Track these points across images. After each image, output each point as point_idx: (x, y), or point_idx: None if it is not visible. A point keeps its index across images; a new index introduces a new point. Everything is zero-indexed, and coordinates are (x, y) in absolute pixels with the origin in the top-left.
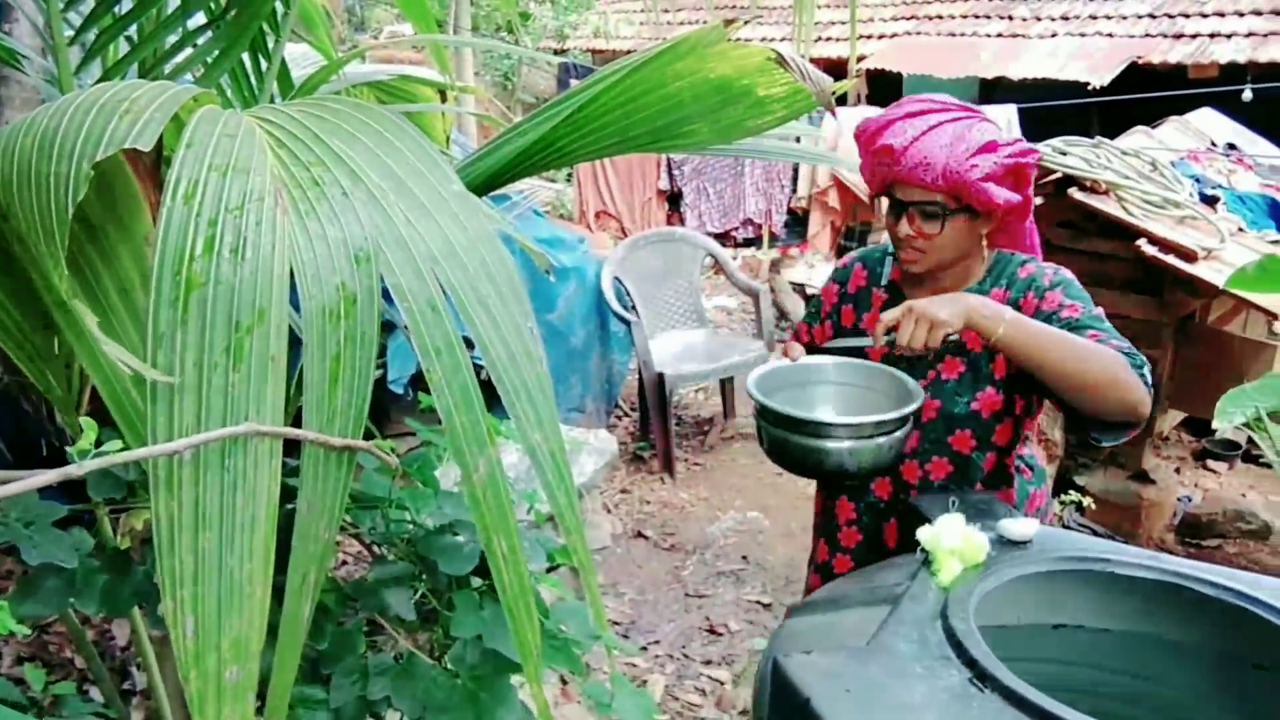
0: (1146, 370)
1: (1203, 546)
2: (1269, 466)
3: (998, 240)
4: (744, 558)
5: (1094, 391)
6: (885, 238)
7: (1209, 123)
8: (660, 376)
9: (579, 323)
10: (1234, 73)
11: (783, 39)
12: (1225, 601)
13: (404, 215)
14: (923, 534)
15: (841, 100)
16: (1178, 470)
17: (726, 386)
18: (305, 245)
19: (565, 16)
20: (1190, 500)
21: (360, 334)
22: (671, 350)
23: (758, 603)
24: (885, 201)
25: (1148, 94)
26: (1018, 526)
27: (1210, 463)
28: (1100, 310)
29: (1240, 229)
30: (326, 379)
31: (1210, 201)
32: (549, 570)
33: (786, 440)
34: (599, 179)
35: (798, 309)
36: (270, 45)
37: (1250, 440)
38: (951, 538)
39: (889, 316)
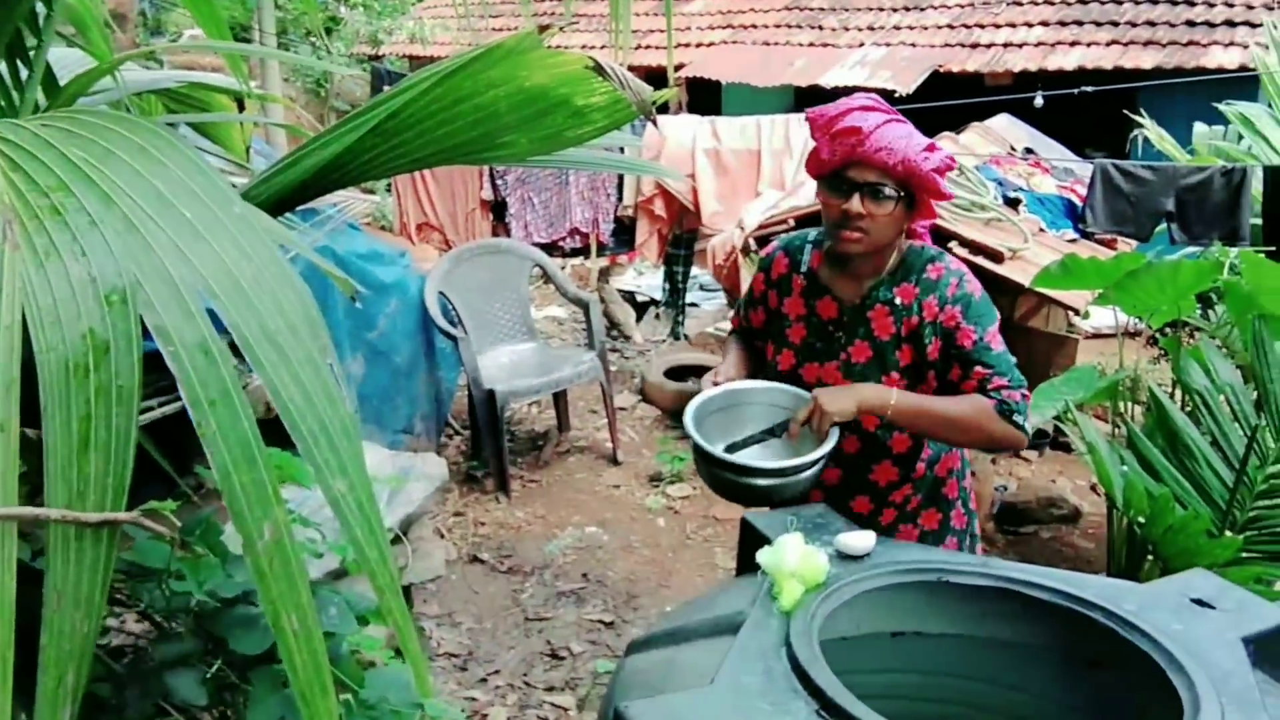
0: (1023, 410)
1: (1020, 533)
2: (1071, 451)
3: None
4: (584, 576)
5: (968, 444)
6: (715, 243)
7: (1007, 128)
8: (491, 393)
9: (403, 340)
10: (1026, 80)
11: (603, 47)
12: (1056, 604)
13: (171, 243)
14: (762, 557)
15: (663, 109)
16: (994, 461)
17: (560, 400)
18: (41, 287)
19: (379, 21)
20: (1006, 489)
21: (117, 388)
22: (502, 365)
23: (600, 622)
24: (825, 184)
25: (949, 101)
26: (855, 540)
27: (1023, 452)
28: (993, 332)
29: (1041, 229)
30: (75, 444)
31: (1012, 204)
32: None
33: (719, 477)
34: (419, 190)
35: (629, 318)
36: (32, 50)
37: (1057, 428)
38: (791, 559)
39: (800, 414)
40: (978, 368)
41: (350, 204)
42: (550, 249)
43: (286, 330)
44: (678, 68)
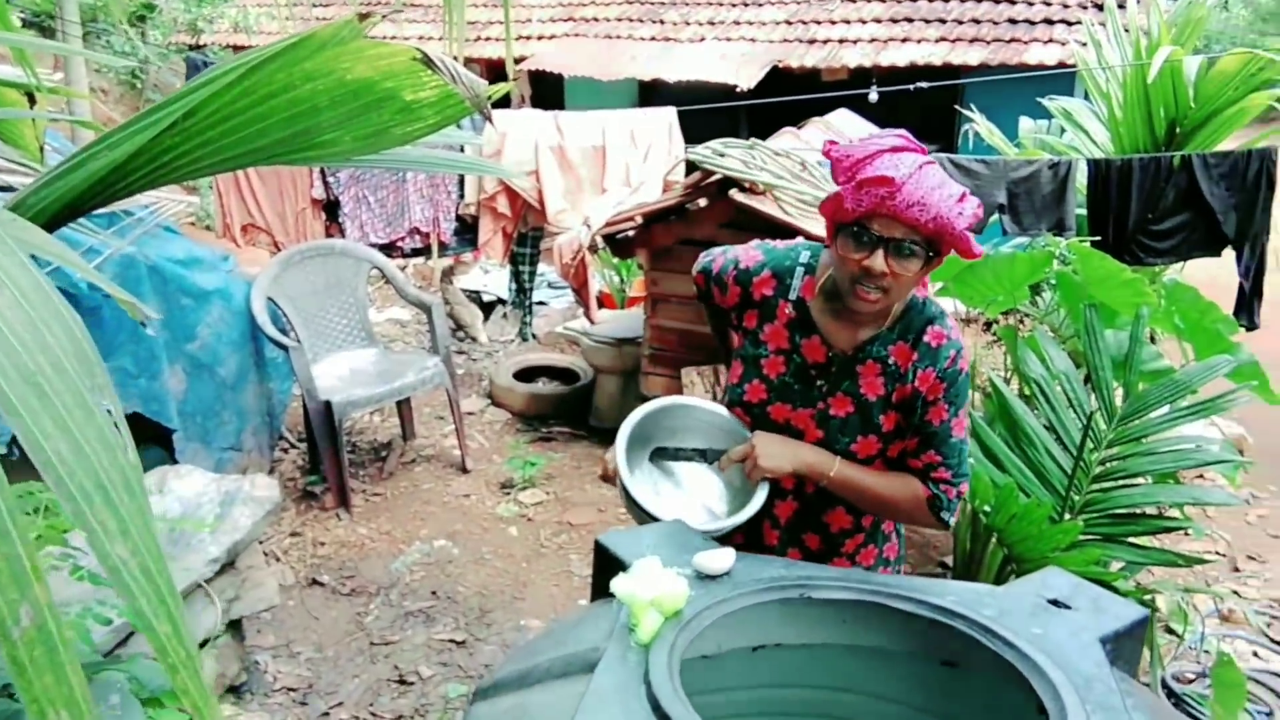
0: (954, 508)
1: None
2: None
3: None
4: (433, 593)
5: (887, 517)
6: (561, 241)
7: (845, 122)
8: (327, 405)
9: (228, 351)
10: (861, 75)
11: (440, 38)
12: (919, 615)
13: None
14: (618, 586)
15: (504, 103)
16: None
17: (404, 407)
18: None
19: (199, 9)
20: None
21: None
22: (339, 374)
23: (451, 641)
24: (845, 234)
25: (789, 97)
26: (714, 560)
27: None
28: (962, 416)
29: None
30: None
31: None
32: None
33: (637, 507)
34: (243, 188)
35: (475, 319)
36: None
37: None
38: (648, 587)
39: (736, 453)
40: (932, 452)
41: (165, 205)
42: (389, 249)
43: (50, 369)
44: (518, 61)
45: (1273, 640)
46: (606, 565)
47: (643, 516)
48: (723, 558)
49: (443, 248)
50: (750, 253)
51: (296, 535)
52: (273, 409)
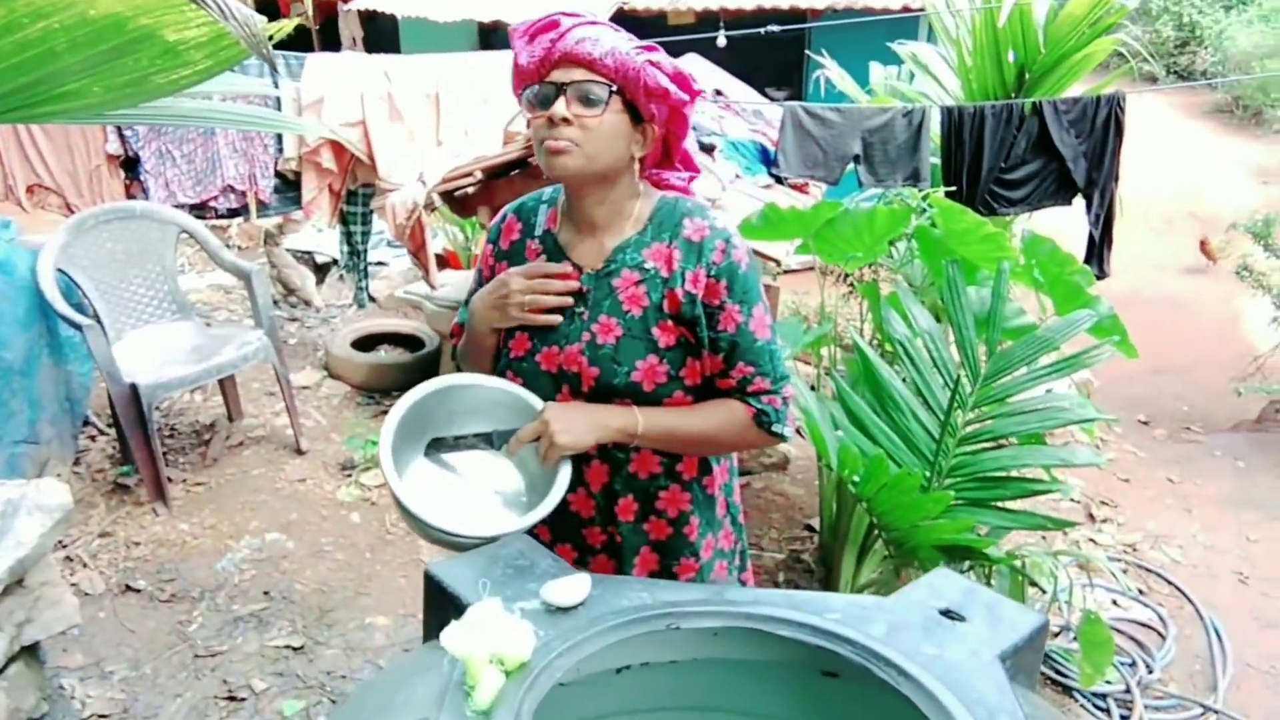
0: (784, 418)
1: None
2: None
3: (658, 169)
4: (266, 593)
5: (720, 453)
6: (394, 200)
7: (696, 69)
8: (133, 389)
9: (12, 331)
10: (709, 19)
11: None
12: (801, 640)
13: None
14: (451, 642)
15: (335, 46)
16: None
17: (228, 385)
18: None
19: None
20: None
21: None
22: (148, 352)
23: (288, 648)
24: (528, 98)
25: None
26: (566, 591)
27: None
28: (760, 313)
29: (737, 175)
30: None
31: (708, 150)
32: None
33: (418, 522)
34: (24, 144)
35: (306, 282)
36: None
37: None
38: (487, 639)
39: (525, 433)
40: (741, 364)
41: None
42: (201, 210)
43: None
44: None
45: (1130, 586)
46: (440, 601)
47: (424, 529)
48: (575, 587)
49: (262, 207)
50: (501, 213)
51: (107, 535)
52: (73, 394)
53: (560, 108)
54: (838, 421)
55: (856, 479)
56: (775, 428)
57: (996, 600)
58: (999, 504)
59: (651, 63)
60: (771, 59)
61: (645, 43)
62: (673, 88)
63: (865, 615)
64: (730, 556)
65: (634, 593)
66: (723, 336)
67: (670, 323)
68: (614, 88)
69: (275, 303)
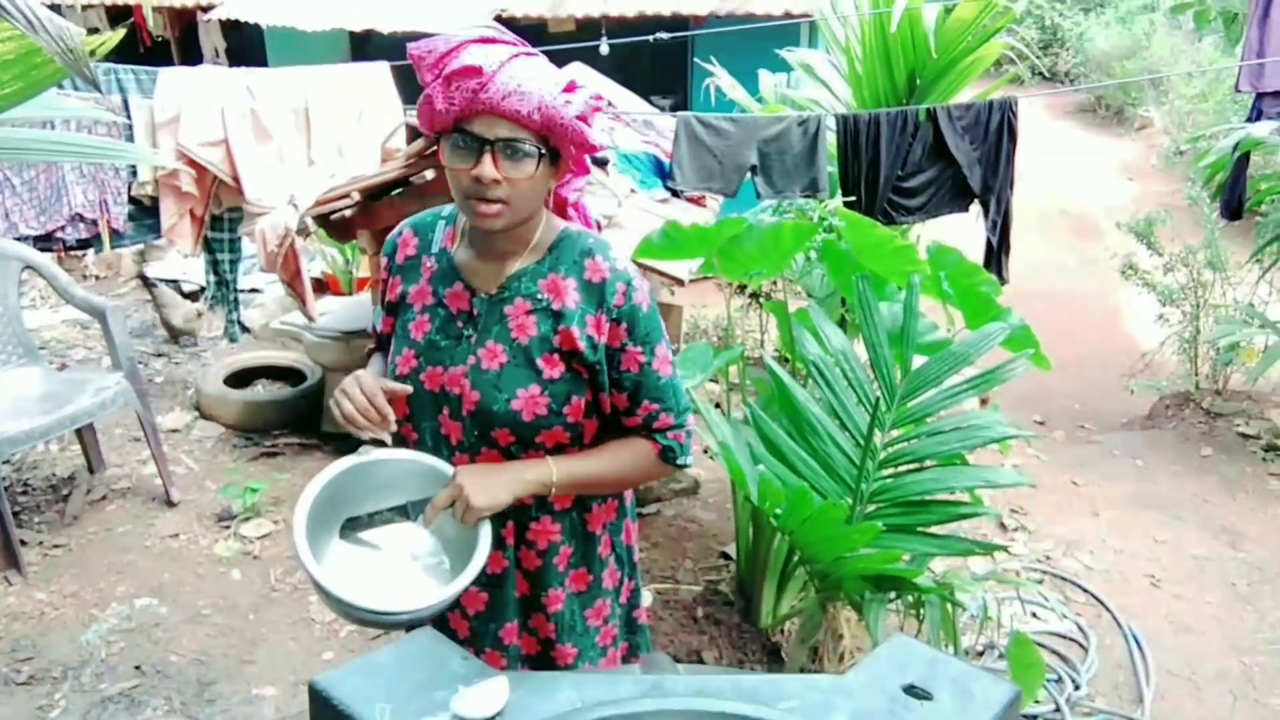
0: (687, 450)
1: (643, 514)
2: None
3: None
4: (137, 668)
5: (627, 488)
6: (263, 225)
7: (581, 78)
8: None
9: None
10: (590, 27)
11: None
12: None
13: None
14: None
15: (196, 59)
16: None
17: (86, 433)
18: None
19: None
20: None
21: None
22: None
23: None
24: (447, 144)
25: None
26: (481, 699)
27: None
28: (662, 352)
29: (633, 190)
30: None
31: (600, 164)
32: None
33: (340, 604)
34: None
35: (190, 319)
36: None
37: None
38: None
39: (440, 500)
40: (646, 402)
41: None
42: (47, 242)
43: None
44: (206, 9)
45: (1048, 597)
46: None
47: (349, 611)
48: (492, 695)
49: (116, 236)
50: (399, 227)
51: None
52: None
53: (488, 168)
54: (754, 450)
55: (778, 511)
56: (680, 460)
57: (963, 672)
58: (923, 529)
59: (580, 116)
60: (655, 67)
61: (566, 78)
62: (594, 135)
63: (825, 701)
64: (614, 595)
65: (560, 694)
66: (626, 377)
67: (557, 356)
68: (542, 149)
69: (144, 333)
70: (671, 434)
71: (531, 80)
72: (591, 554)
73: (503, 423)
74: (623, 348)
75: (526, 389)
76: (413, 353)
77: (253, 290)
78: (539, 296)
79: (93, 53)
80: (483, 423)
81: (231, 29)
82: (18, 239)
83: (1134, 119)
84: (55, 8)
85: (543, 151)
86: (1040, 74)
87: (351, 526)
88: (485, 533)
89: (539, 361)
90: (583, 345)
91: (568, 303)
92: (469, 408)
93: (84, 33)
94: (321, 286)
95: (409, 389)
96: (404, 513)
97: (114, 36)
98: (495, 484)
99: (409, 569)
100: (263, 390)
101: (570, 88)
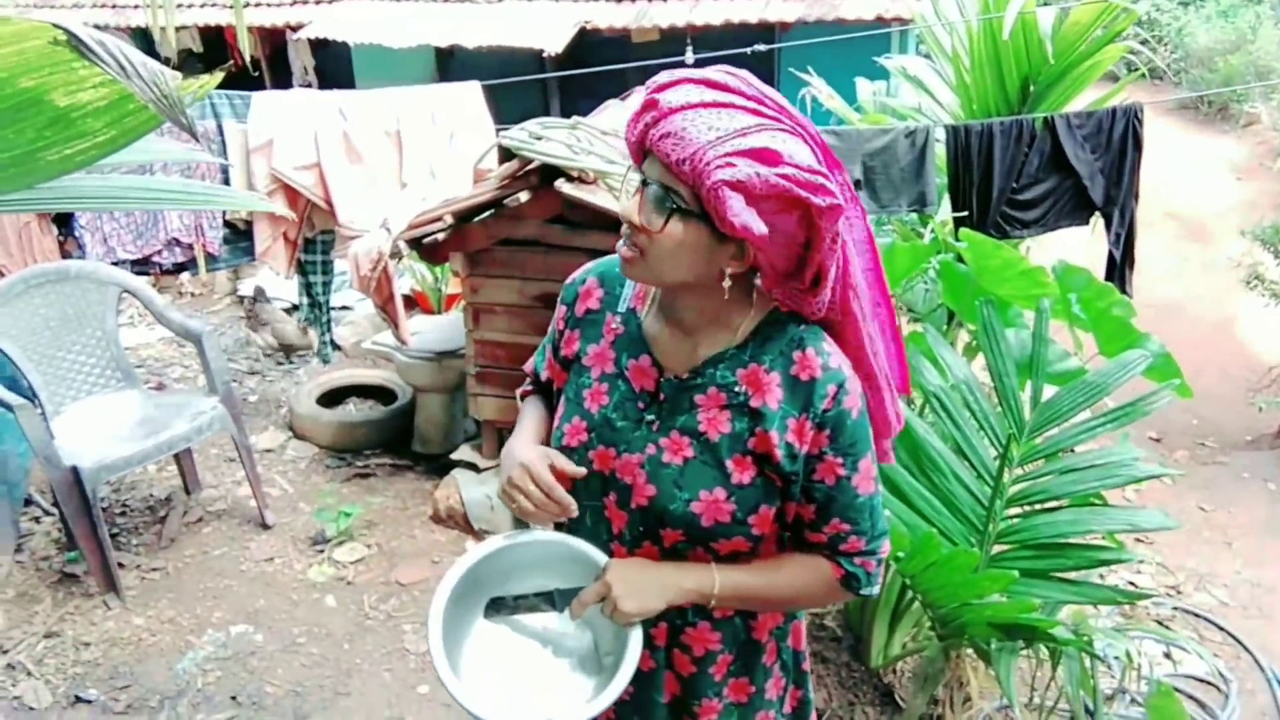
0: (875, 580)
1: None
2: None
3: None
4: (234, 699)
5: (797, 609)
6: (357, 249)
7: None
8: (74, 472)
9: None
10: (675, 37)
11: (136, 6)
12: None
13: None
14: None
15: (286, 83)
16: None
17: (183, 454)
18: None
19: None
20: None
21: None
22: (90, 428)
23: None
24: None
25: (602, 67)
26: None
27: None
28: (865, 467)
29: None
30: None
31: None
32: None
33: None
34: None
35: (300, 335)
36: None
37: None
38: None
39: (588, 597)
40: (836, 520)
41: None
42: (143, 266)
43: None
44: (295, 28)
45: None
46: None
47: None
48: None
49: (211, 260)
50: (580, 271)
51: (53, 636)
52: (10, 475)
53: (631, 207)
54: None
55: (900, 555)
56: (865, 590)
57: None
58: (1058, 574)
59: (730, 183)
60: None
61: (764, 147)
62: (741, 212)
63: None
64: (778, 705)
65: None
66: (818, 488)
67: (750, 460)
68: (678, 202)
69: (239, 349)
70: (860, 559)
71: (704, 130)
72: (754, 663)
73: (677, 524)
74: (821, 455)
75: (711, 491)
76: (585, 425)
77: (344, 308)
78: (736, 389)
79: (194, 92)
80: (653, 520)
81: (320, 48)
82: (115, 263)
83: (1239, 116)
84: (147, 31)
85: (679, 207)
86: (1141, 73)
87: (495, 607)
88: (635, 637)
89: (729, 463)
90: (780, 453)
91: (769, 401)
92: (640, 501)
93: (179, 77)
94: (410, 303)
95: (583, 471)
96: (550, 600)
97: (212, 80)
98: (648, 589)
99: (554, 665)
100: (355, 410)
101: (768, 156)
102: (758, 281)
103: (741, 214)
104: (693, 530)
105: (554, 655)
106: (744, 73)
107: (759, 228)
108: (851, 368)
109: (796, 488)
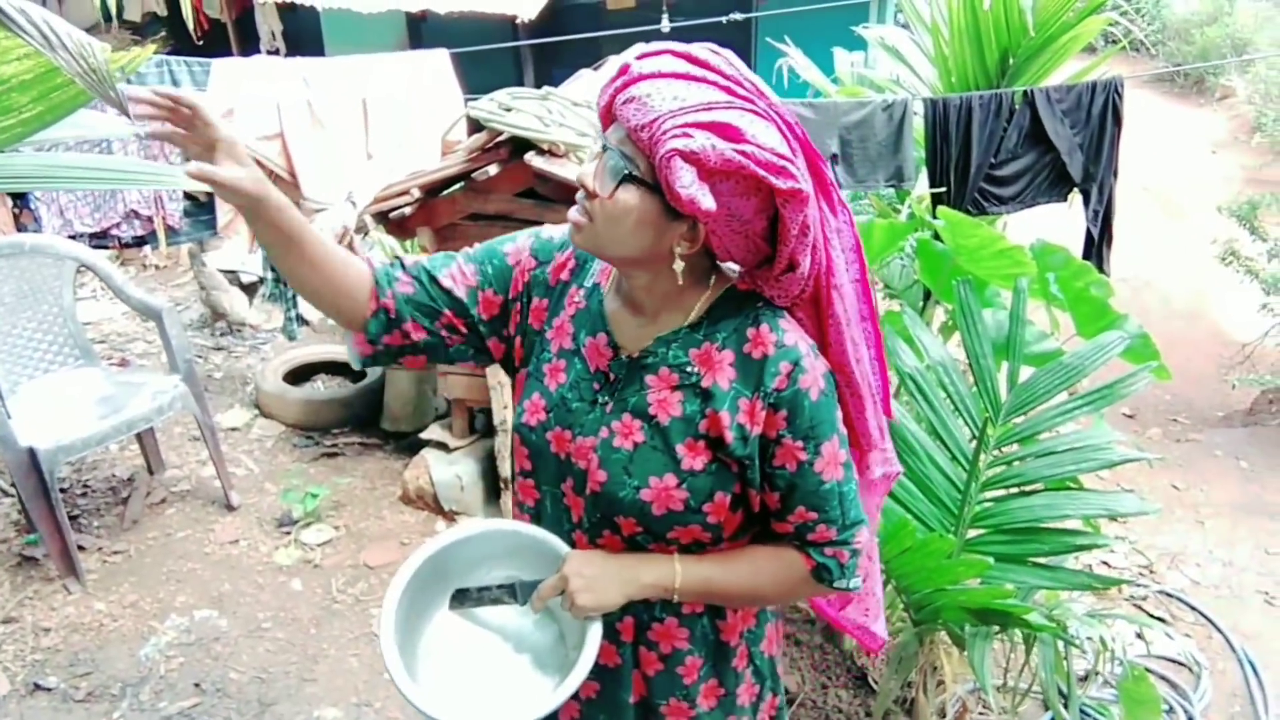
0: (850, 572)
1: None
2: None
3: (757, 269)
4: (197, 685)
5: (768, 605)
6: (321, 223)
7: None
8: (31, 454)
9: None
10: (651, 4)
11: None
12: None
13: None
14: None
15: (254, 48)
16: None
17: (145, 432)
18: None
19: None
20: None
21: None
22: (47, 407)
23: None
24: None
25: (575, 35)
26: None
27: None
28: (830, 451)
29: None
30: None
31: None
32: None
33: None
34: None
35: (236, 305)
36: None
37: None
38: None
39: (545, 590)
40: (800, 508)
41: None
42: (102, 239)
43: None
44: None
45: (1152, 615)
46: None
47: None
48: None
49: (171, 233)
50: (556, 231)
51: (12, 621)
52: None
53: (588, 170)
54: None
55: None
56: (839, 583)
57: None
58: (1033, 559)
59: (684, 153)
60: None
61: (729, 123)
62: (690, 185)
63: None
64: (751, 712)
65: None
66: (780, 474)
67: (703, 444)
68: (631, 169)
69: (204, 325)
70: (830, 550)
71: (668, 99)
72: (724, 667)
73: (628, 512)
74: (778, 439)
75: (660, 478)
76: (544, 405)
77: None
78: (689, 369)
79: (125, 68)
80: (606, 507)
81: (288, 11)
82: (73, 237)
83: (1215, 88)
84: None
85: (631, 174)
86: (1121, 46)
87: (460, 599)
88: (594, 632)
89: (679, 448)
90: (731, 435)
91: (720, 380)
92: (593, 487)
93: (108, 48)
94: None
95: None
96: (512, 593)
97: (145, 53)
98: (605, 583)
99: (514, 660)
100: (322, 387)
101: (730, 132)
102: (734, 270)
103: (690, 187)
104: (645, 519)
105: (515, 650)
106: (729, 53)
107: (707, 203)
108: (816, 349)
109: (754, 473)
